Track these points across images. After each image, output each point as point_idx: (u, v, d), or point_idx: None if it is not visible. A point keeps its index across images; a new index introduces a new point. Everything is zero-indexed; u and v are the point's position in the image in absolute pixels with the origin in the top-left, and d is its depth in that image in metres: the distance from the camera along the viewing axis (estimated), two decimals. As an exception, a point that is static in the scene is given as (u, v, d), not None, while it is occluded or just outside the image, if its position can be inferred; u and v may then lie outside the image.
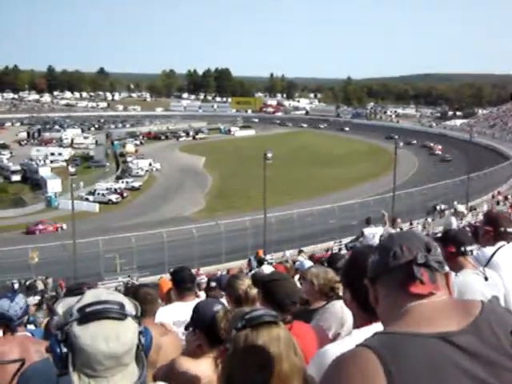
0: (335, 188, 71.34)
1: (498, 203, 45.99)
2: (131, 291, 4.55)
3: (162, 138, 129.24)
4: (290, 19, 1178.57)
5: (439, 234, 5.64)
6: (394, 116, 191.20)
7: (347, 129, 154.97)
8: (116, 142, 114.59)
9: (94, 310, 1.65)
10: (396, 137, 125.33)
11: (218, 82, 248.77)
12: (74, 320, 1.65)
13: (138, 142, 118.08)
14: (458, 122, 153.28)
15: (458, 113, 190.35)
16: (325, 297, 4.37)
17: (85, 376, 1.62)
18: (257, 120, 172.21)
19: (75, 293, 2.66)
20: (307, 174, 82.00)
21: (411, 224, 41.26)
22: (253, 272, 11.09)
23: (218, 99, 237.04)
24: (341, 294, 4.06)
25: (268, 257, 29.85)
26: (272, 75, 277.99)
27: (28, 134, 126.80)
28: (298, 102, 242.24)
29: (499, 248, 4.51)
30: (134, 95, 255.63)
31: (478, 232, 4.97)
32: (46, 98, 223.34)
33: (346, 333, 3.54)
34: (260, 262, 16.35)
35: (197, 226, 42.49)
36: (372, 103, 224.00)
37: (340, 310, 3.88)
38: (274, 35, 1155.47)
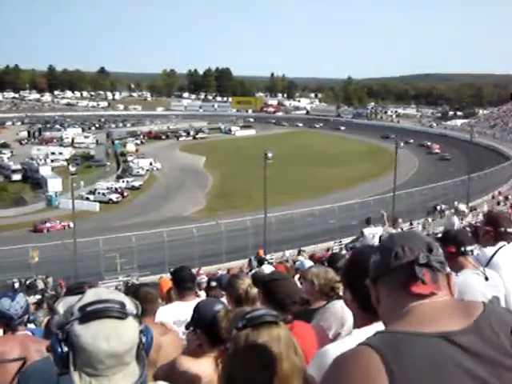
0: (335, 188, 71.36)
1: (498, 203, 45.96)
2: (131, 290, 4.55)
3: (163, 137, 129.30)
4: (291, 19, 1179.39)
5: (440, 235, 5.64)
6: (394, 116, 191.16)
7: (343, 128, 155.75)
8: (116, 142, 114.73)
9: (95, 309, 1.65)
10: (392, 136, 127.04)
11: (219, 82, 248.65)
12: (74, 319, 1.65)
13: (138, 142, 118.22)
14: (459, 122, 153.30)
15: (459, 113, 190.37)
16: (325, 297, 4.37)
17: (86, 375, 1.62)
18: (252, 119, 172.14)
19: (76, 292, 2.67)
20: (307, 174, 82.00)
21: (411, 224, 41.25)
22: (253, 272, 11.10)
23: (219, 99, 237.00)
24: (341, 293, 4.07)
25: (268, 257, 29.86)
26: (273, 75, 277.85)
27: (29, 133, 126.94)
28: (299, 101, 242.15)
29: (500, 248, 4.51)
30: (134, 95, 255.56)
31: (479, 232, 4.98)
32: (47, 97, 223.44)
33: (346, 333, 3.54)
34: (260, 262, 16.37)
35: (197, 226, 42.50)
36: (372, 103, 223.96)
37: (340, 310, 3.88)
38: (274, 35, 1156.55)
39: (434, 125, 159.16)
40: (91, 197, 67.22)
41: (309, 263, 9.54)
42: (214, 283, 9.45)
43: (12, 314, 3.85)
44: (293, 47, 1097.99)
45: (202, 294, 8.77)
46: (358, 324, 2.61)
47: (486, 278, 3.85)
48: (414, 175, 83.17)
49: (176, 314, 4.89)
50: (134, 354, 1.69)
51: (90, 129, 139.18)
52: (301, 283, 5.52)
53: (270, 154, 44.91)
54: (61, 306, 1.82)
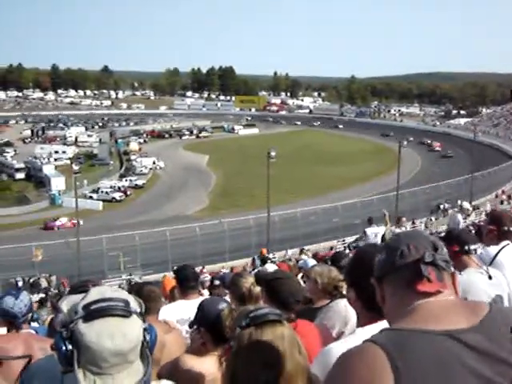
0: (339, 187, 71.33)
1: (501, 202, 45.93)
2: (135, 289, 4.55)
3: (166, 136, 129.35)
4: (295, 18, 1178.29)
5: (443, 234, 5.65)
6: (397, 115, 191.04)
7: (341, 126, 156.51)
8: (120, 140, 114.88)
9: (99, 308, 1.65)
10: (391, 134, 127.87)
11: (222, 81, 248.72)
12: (79, 317, 1.65)
13: (141, 141, 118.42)
14: (462, 120, 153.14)
15: (462, 112, 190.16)
16: (328, 295, 4.37)
17: (90, 373, 1.62)
18: (249, 118, 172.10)
19: (79, 290, 2.67)
20: (311, 173, 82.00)
21: (413, 223, 41.19)
22: (256, 270, 11.11)
23: (222, 98, 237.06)
24: (344, 292, 4.07)
25: (271, 255, 29.87)
26: (276, 74, 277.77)
27: (32, 131, 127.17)
28: (302, 100, 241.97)
29: (503, 247, 4.51)
30: (137, 93, 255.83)
31: (482, 231, 4.97)
32: (50, 96, 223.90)
33: (349, 331, 3.54)
34: (263, 261, 16.38)
35: (200, 225, 42.51)
36: (376, 102, 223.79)
37: (344, 309, 3.88)
38: (278, 34, 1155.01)
39: (438, 123, 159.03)
40: (94, 195, 67.31)
41: (312, 262, 9.53)
42: (217, 282, 9.47)
43: (16, 312, 3.86)
44: (296, 46, 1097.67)
45: (205, 293, 8.79)
46: (361, 323, 2.61)
47: (490, 277, 3.84)
48: (418, 174, 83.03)
49: (179, 312, 4.89)
50: (138, 352, 1.70)
51: (93, 128, 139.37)
52: (304, 282, 5.52)
53: (273, 153, 44.88)
54: (64, 305, 1.82)
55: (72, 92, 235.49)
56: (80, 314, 1.66)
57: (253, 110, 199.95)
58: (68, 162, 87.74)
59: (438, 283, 1.72)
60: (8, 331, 3.99)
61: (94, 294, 1.74)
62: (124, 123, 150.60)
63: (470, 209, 38.34)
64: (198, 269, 24.11)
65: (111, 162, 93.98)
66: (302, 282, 5.67)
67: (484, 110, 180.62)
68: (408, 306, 1.71)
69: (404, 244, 1.78)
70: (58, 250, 38.99)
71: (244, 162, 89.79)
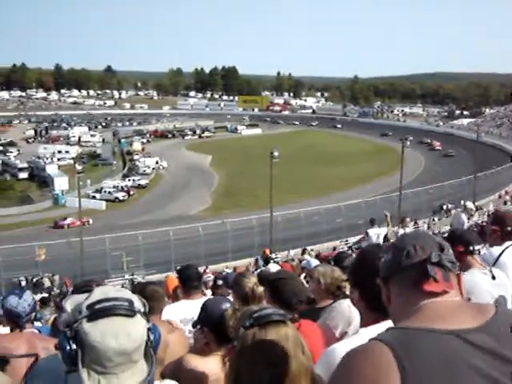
0: (342, 187, 71.27)
1: (505, 203, 45.82)
2: (138, 289, 4.55)
3: (169, 136, 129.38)
4: (299, 18, 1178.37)
5: (446, 234, 5.64)
6: (400, 115, 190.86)
7: (339, 126, 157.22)
8: (123, 140, 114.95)
9: (104, 307, 1.66)
10: (390, 133, 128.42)
11: (225, 81, 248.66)
12: (83, 317, 1.65)
13: (144, 140, 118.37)
14: (465, 121, 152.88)
15: (465, 112, 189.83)
16: (331, 295, 4.37)
17: (94, 373, 1.63)
18: (246, 118, 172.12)
19: (83, 290, 2.68)
20: (314, 173, 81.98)
21: (416, 223, 41.14)
22: (259, 270, 11.11)
23: (225, 98, 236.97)
24: (348, 292, 4.07)
25: (273, 255, 29.91)
26: (279, 74, 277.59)
27: (35, 131, 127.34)
28: (305, 100, 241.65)
29: (506, 248, 4.51)
30: (141, 93, 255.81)
31: (485, 231, 4.97)
32: (54, 95, 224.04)
33: (352, 332, 3.54)
34: (266, 261, 16.40)
35: (203, 225, 42.51)
36: (379, 102, 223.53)
37: (347, 309, 3.88)
38: (281, 34, 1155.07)
39: (441, 124, 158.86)
40: (97, 195, 67.35)
41: (315, 262, 9.53)
42: (220, 282, 9.45)
43: (19, 312, 3.87)
44: (299, 46, 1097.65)
45: (208, 293, 8.79)
46: (364, 323, 2.61)
47: (494, 277, 3.84)
48: (421, 174, 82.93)
49: (182, 312, 4.89)
50: (142, 351, 1.70)
51: (96, 127, 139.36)
52: (307, 282, 5.52)
53: (276, 153, 44.87)
54: (68, 304, 1.83)
55: (75, 92, 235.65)
56: (84, 313, 1.66)
57: (256, 109, 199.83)
58: (71, 161, 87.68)
59: (445, 283, 1.72)
60: (11, 330, 4.01)
61: (98, 293, 1.74)
62: (127, 123, 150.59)
63: (474, 209, 38.27)
64: (201, 269, 24.16)
65: (114, 162, 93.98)
66: (304, 282, 5.67)
67: (487, 110, 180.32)
68: (414, 306, 1.71)
69: (410, 244, 1.79)
70: (61, 250, 39.03)
71: (247, 162, 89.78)
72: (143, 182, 77.57)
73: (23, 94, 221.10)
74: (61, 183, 70.63)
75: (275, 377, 2.00)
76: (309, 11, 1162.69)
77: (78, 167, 49.91)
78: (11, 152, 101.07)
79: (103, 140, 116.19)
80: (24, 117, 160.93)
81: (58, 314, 6.65)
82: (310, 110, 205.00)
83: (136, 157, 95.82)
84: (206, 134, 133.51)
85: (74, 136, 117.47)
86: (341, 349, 2.37)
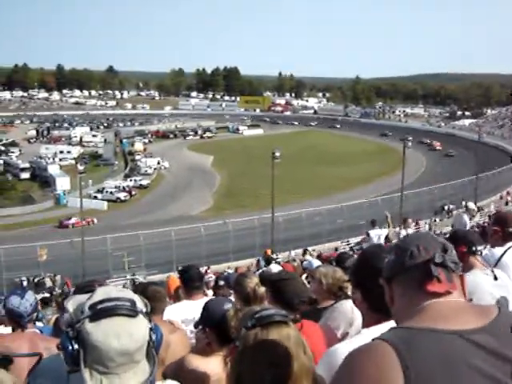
0: (343, 187, 71.29)
1: (506, 203, 45.84)
2: (140, 289, 4.55)
3: (171, 136, 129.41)
4: (300, 18, 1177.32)
5: (448, 235, 5.64)
6: (402, 116, 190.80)
7: (338, 126, 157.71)
8: (125, 141, 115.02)
9: (106, 307, 1.66)
10: (390, 134, 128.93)
11: (227, 81, 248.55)
12: (85, 317, 1.66)
13: (146, 141, 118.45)
14: (467, 121, 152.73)
15: (467, 113, 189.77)
16: (333, 296, 4.37)
17: (96, 373, 1.63)
18: (246, 118, 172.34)
19: (85, 290, 2.68)
20: (315, 174, 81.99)
21: (417, 224, 41.11)
22: (260, 271, 11.12)
23: (227, 98, 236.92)
24: (349, 293, 4.07)
25: (274, 256, 29.87)
26: (280, 74, 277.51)
27: (37, 131, 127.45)
28: (307, 101, 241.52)
29: (508, 248, 4.51)
30: (142, 94, 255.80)
31: (487, 232, 4.97)
32: (56, 96, 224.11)
33: (354, 332, 3.54)
34: (268, 261, 16.39)
35: (205, 225, 42.55)
36: (380, 103, 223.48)
37: (349, 310, 3.88)
38: (282, 34, 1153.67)
39: (443, 124, 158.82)
40: (99, 195, 67.41)
41: (317, 262, 9.53)
42: (221, 282, 9.46)
43: (21, 312, 3.87)
44: (301, 47, 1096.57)
45: (210, 293, 8.79)
46: (366, 324, 2.61)
47: (495, 278, 3.84)
48: (422, 175, 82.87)
49: (184, 312, 4.90)
50: (144, 351, 1.70)
51: (98, 128, 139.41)
52: (308, 282, 5.52)
53: (277, 154, 44.85)
54: (70, 304, 1.83)
55: (77, 92, 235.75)
56: (86, 313, 1.67)
57: (257, 110, 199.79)
58: (73, 161, 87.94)
59: (448, 284, 1.73)
60: (13, 330, 4.01)
61: (100, 293, 1.74)
62: (129, 123, 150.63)
63: (476, 209, 38.28)
64: (203, 269, 24.16)
65: (116, 162, 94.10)
66: (306, 283, 5.68)
67: (489, 111, 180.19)
68: (417, 306, 1.71)
69: (414, 245, 1.79)
70: (62, 250, 39.07)
71: (248, 163, 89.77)
72: (145, 182, 77.59)
73: (25, 94, 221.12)
74: (62, 183, 70.73)
75: (277, 377, 2.00)
76: (310, 11, 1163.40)
77: (80, 167, 49.97)
78: (13, 152, 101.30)
79: (105, 140, 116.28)
80: (26, 117, 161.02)
81: (60, 314, 6.66)
82: (312, 111, 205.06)
83: (138, 157, 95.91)
84: (208, 134, 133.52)
85: (75, 136, 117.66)
86: (343, 349, 2.36)
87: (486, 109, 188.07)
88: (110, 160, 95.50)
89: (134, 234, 39.52)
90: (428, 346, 1.52)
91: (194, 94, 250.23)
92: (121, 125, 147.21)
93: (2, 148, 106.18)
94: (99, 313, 1.65)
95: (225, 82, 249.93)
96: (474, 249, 3.99)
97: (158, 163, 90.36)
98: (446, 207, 49.58)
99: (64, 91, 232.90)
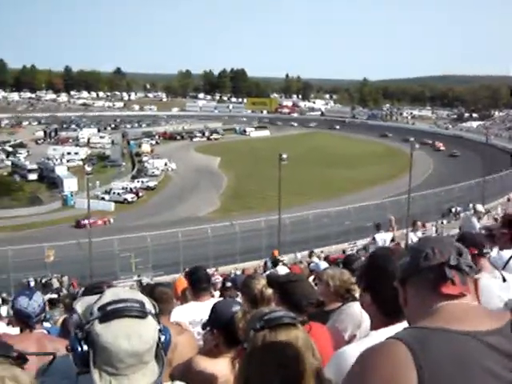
0: (350, 189, 71.22)
1: (514, 206, 45.58)
2: (147, 290, 4.56)
3: (178, 138, 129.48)
4: (308, 20, 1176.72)
5: (455, 237, 5.63)
6: (409, 117, 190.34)
7: (337, 127, 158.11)
8: (132, 142, 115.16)
9: (115, 309, 1.67)
10: (390, 135, 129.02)
11: (234, 83, 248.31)
12: (95, 318, 1.66)
13: (153, 142, 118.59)
14: (475, 124, 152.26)
15: (475, 115, 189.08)
16: (340, 298, 4.37)
17: (106, 374, 1.63)
18: (245, 119, 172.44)
19: (94, 291, 2.69)
20: (322, 175, 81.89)
21: (424, 227, 40.95)
22: (267, 273, 11.12)
23: (234, 100, 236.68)
24: (357, 295, 4.06)
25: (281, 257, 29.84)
26: (287, 76, 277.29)
27: (45, 133, 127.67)
28: (314, 102, 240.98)
29: (517, 251, 4.49)
30: (150, 95, 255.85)
31: (494, 235, 4.95)
32: (63, 97, 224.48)
33: (362, 334, 3.54)
34: (275, 263, 16.39)
35: (212, 226, 42.57)
36: (388, 105, 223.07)
37: (357, 312, 3.87)
38: (290, 36, 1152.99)
39: (450, 126, 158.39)
40: (106, 197, 67.52)
41: (324, 265, 9.54)
42: (228, 284, 9.49)
43: (29, 313, 3.89)
44: (308, 48, 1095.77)
45: (217, 294, 8.80)
46: (374, 326, 2.60)
47: (504, 280, 3.83)
48: (430, 177, 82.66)
49: (191, 314, 4.90)
50: (153, 353, 1.71)
51: (105, 129, 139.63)
52: (315, 284, 5.52)
53: (284, 155, 44.83)
54: (79, 306, 1.83)
55: (85, 93, 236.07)
56: (96, 314, 1.67)
57: (264, 112, 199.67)
58: (80, 163, 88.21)
59: (462, 287, 1.73)
60: (21, 331, 4.02)
61: (110, 295, 1.75)
62: (136, 125, 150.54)
63: (484, 211, 38.14)
64: (210, 271, 24.18)
65: (123, 164, 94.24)
66: (313, 285, 5.67)
67: (496, 113, 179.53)
68: (430, 308, 1.72)
69: (429, 247, 1.80)
70: (70, 251, 39.15)
71: (255, 164, 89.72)
72: (152, 183, 77.66)
73: (33, 95, 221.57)
74: (70, 184, 70.95)
75: (285, 379, 2.00)
76: (317, 13, 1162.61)
77: (87, 168, 50.11)
78: (21, 153, 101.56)
79: (112, 141, 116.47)
80: (34, 118, 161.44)
81: (69, 315, 6.68)
82: (319, 112, 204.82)
83: (145, 158, 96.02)
84: (215, 135, 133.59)
85: (83, 137, 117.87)
86: (351, 351, 2.36)
87: (493, 111, 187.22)
88: (117, 161, 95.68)
89: (141, 236, 39.55)
90: (442, 346, 1.53)
91: (201, 95, 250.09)
92: (128, 126, 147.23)
93: (10, 149, 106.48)
94: (109, 314, 1.66)
95: (232, 83, 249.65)
96: (485, 251, 3.98)
97: (165, 165, 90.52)
98: (453, 209, 49.42)
99: (72, 93, 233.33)
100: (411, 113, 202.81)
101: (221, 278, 13.29)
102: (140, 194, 70.83)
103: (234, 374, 2.24)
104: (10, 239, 45.29)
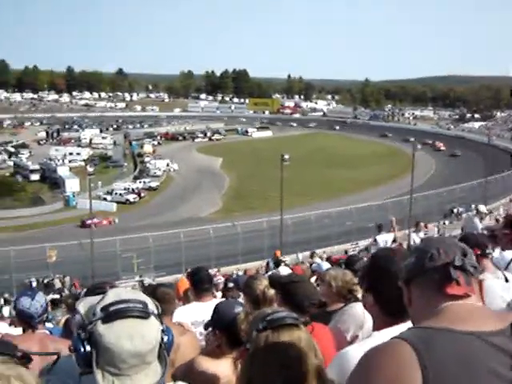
0: (352, 190, 71.17)
1: (516, 207, 45.53)
2: (149, 291, 4.57)
3: (180, 138, 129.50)
4: (309, 20, 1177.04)
5: (457, 238, 5.62)
6: (411, 118, 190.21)
7: (337, 127, 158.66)
8: (134, 143, 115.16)
9: (118, 309, 1.67)
10: (390, 135, 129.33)
11: (236, 83, 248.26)
12: (97, 319, 1.66)
13: (155, 143, 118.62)
14: (477, 124, 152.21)
15: (476, 115, 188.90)
16: (343, 299, 4.37)
17: (109, 374, 1.64)
18: (244, 119, 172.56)
19: (97, 292, 2.69)
20: (324, 176, 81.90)
21: (426, 227, 40.90)
22: (269, 273, 11.12)
23: (236, 100, 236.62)
24: (359, 296, 4.06)
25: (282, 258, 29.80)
26: (289, 76, 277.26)
27: (47, 133, 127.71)
28: (316, 103, 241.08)
29: (519, 251, 4.49)
30: (152, 96, 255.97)
31: (497, 235, 4.95)
32: (65, 98, 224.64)
33: (364, 335, 3.54)
34: (277, 264, 16.38)
35: (214, 227, 42.59)
36: (390, 105, 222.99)
37: (360, 313, 3.87)
38: (292, 37, 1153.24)
39: (452, 127, 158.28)
40: (108, 197, 67.45)
41: (326, 265, 9.54)
42: (230, 284, 9.48)
43: (32, 313, 3.89)
44: (310, 49, 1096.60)
45: (219, 295, 8.80)
46: (377, 327, 2.60)
47: (506, 280, 3.83)
48: (431, 177, 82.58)
49: (194, 314, 4.91)
50: (156, 353, 1.71)
51: (107, 129, 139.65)
52: (317, 285, 5.52)
53: (286, 156, 44.81)
54: (81, 306, 1.83)
55: (87, 94, 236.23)
56: (98, 315, 1.68)
57: (266, 112, 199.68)
58: (82, 163, 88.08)
59: (467, 287, 1.74)
60: (24, 331, 4.03)
61: (112, 295, 1.75)
62: (138, 125, 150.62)
63: (486, 212, 38.15)
64: (212, 271, 24.17)
65: (125, 164, 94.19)
66: (315, 286, 5.67)
67: (498, 113, 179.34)
68: (435, 308, 1.73)
69: (434, 248, 1.81)
70: (72, 251, 39.18)
71: (257, 165, 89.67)
72: (154, 184, 77.63)
73: (35, 96, 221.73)
74: (72, 185, 70.97)
75: (288, 379, 2.00)
76: (319, 13, 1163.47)
77: (89, 169, 50.03)
78: (23, 154, 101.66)
79: (114, 142, 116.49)
80: (36, 119, 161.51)
81: (71, 315, 6.68)
82: (321, 113, 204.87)
83: (147, 159, 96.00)
84: (217, 136, 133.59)
85: (85, 138, 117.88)
86: (354, 352, 2.36)
87: (495, 111, 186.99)
88: (119, 162, 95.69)
89: (143, 236, 39.55)
90: (446, 346, 1.53)
91: (203, 96, 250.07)
92: (130, 127, 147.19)
93: (12, 150, 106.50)
94: (111, 315, 1.66)
95: (234, 84, 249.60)
96: (487, 251, 3.98)
97: (167, 165, 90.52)
98: (455, 210, 49.38)
99: (74, 93, 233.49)
100: (413, 113, 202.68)
101: (223, 279, 13.25)
102: (142, 195, 70.79)
103: (236, 374, 2.24)
104: (12, 239, 45.31)
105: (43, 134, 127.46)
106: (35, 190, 75.77)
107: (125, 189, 70.78)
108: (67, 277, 35.07)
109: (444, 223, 44.81)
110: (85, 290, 3.87)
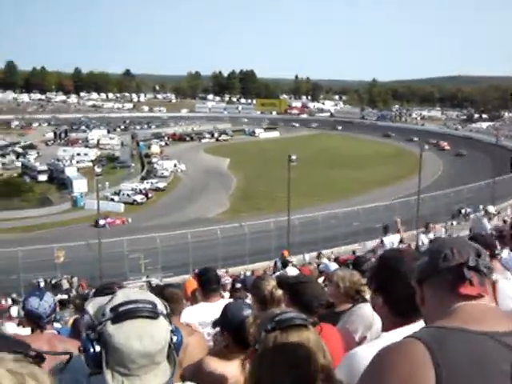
0: (359, 190, 71.02)
1: (524, 207, 45.31)
2: (157, 291, 4.57)
3: (187, 139, 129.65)
4: (316, 21, 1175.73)
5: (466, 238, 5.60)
6: (419, 118, 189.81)
7: (340, 127, 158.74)
8: (141, 143, 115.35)
9: (127, 310, 1.67)
10: (393, 135, 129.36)
11: (243, 84, 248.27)
12: (107, 319, 1.67)
13: (163, 143, 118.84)
14: (484, 124, 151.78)
15: (484, 115, 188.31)
16: (351, 299, 4.37)
17: (118, 374, 1.64)
18: (246, 120, 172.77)
19: (105, 292, 2.69)
20: (331, 177, 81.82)
21: (435, 228, 40.74)
22: (277, 274, 11.12)
23: (243, 101, 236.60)
24: (367, 297, 4.05)
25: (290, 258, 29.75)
26: (297, 77, 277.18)
27: (55, 134, 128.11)
28: (323, 104, 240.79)
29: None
30: (159, 96, 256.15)
31: (505, 236, 4.94)
32: (73, 98, 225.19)
33: (373, 336, 3.53)
34: (284, 264, 16.37)
35: (221, 227, 42.60)
36: (397, 106, 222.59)
37: (368, 314, 3.86)
38: (299, 37, 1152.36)
39: (460, 127, 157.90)
40: (116, 198, 67.60)
41: (334, 266, 9.53)
42: (238, 285, 9.48)
43: (41, 313, 3.90)
44: (317, 49, 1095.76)
45: (226, 296, 8.81)
46: (386, 328, 2.59)
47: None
48: (439, 178, 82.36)
49: (201, 315, 4.91)
50: (165, 353, 1.71)
51: (115, 130, 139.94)
52: (325, 285, 5.51)
53: (293, 157, 44.78)
54: (91, 307, 1.84)
55: (94, 95, 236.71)
56: (108, 315, 1.68)
57: (274, 113, 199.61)
58: (90, 164, 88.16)
59: (480, 288, 1.74)
60: (32, 331, 4.04)
61: (121, 296, 1.75)
62: (146, 126, 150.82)
63: (495, 213, 37.97)
64: (220, 272, 24.18)
65: (133, 165, 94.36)
66: (323, 286, 5.66)
67: (506, 113, 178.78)
68: (448, 308, 1.73)
69: (448, 248, 1.81)
70: (79, 252, 39.27)
71: (264, 166, 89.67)
72: (161, 184, 77.70)
73: (43, 96, 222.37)
74: (80, 185, 71.17)
75: (297, 380, 2.00)
76: (327, 13, 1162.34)
77: (97, 170, 50.16)
78: (31, 154, 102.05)
79: (122, 143, 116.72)
80: (44, 119, 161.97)
81: (79, 316, 6.70)
82: (328, 114, 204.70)
83: (154, 159, 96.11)
84: (224, 137, 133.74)
85: (92, 139, 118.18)
86: (363, 353, 2.36)
87: (503, 111, 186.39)
88: (126, 162, 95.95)
89: (150, 237, 39.60)
90: (459, 346, 1.53)
91: (210, 96, 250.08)
92: (138, 127, 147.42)
93: (20, 150, 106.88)
94: (121, 315, 1.66)
95: (241, 84, 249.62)
96: (497, 252, 3.97)
97: (175, 166, 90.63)
98: (462, 211, 49.21)
99: (81, 94, 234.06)
100: (421, 114, 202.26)
101: (230, 279, 13.27)
102: (149, 195, 70.85)
103: (244, 375, 2.24)
104: (20, 240, 45.46)
105: (51, 135, 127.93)
106: (43, 191, 76.05)
107: (132, 189, 70.94)
108: (75, 277, 35.18)
109: (452, 224, 44.65)
110: (93, 290, 3.89)
